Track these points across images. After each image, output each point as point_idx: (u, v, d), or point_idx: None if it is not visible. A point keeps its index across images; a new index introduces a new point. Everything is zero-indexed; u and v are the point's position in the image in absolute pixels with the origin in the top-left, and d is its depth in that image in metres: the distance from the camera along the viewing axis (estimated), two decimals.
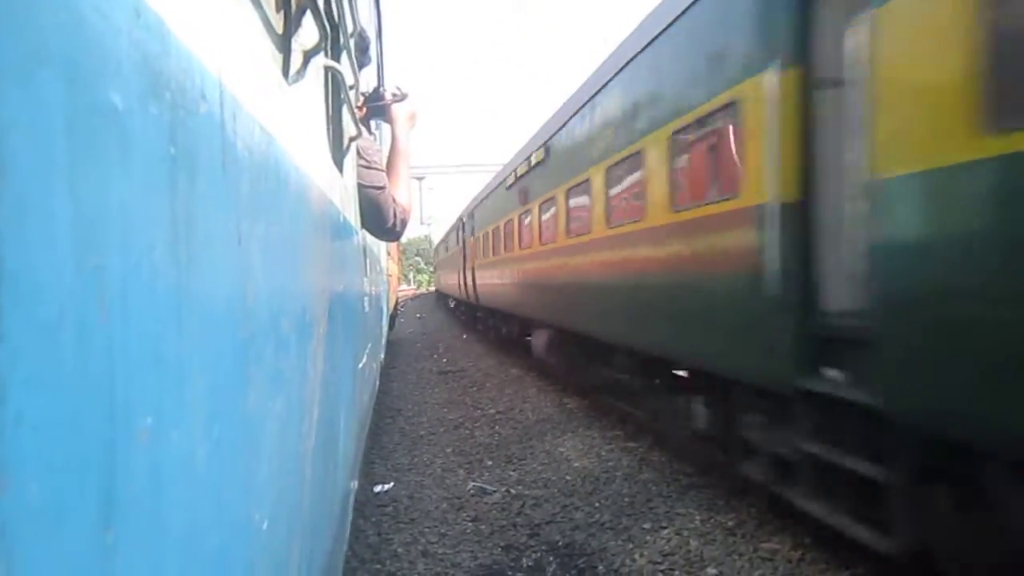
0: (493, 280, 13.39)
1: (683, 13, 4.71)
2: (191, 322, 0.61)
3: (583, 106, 7.13)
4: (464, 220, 18.29)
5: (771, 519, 4.33)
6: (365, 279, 3.61)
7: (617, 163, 6.01)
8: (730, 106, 4.08)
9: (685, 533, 4.29)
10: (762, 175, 3.76)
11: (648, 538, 4.28)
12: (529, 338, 10.65)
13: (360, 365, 3.19)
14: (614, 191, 6.18)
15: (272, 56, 1.15)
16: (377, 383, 6.70)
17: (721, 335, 4.27)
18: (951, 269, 2.56)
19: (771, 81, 3.66)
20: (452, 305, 26.67)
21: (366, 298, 3.80)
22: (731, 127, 4.13)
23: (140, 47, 0.51)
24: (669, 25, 4.94)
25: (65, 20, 0.41)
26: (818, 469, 3.47)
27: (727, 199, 4.14)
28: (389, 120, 2.65)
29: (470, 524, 4.69)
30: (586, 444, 6.47)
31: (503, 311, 12.82)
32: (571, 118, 7.61)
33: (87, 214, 0.44)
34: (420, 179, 40.56)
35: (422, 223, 48.51)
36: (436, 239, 41.90)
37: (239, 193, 0.78)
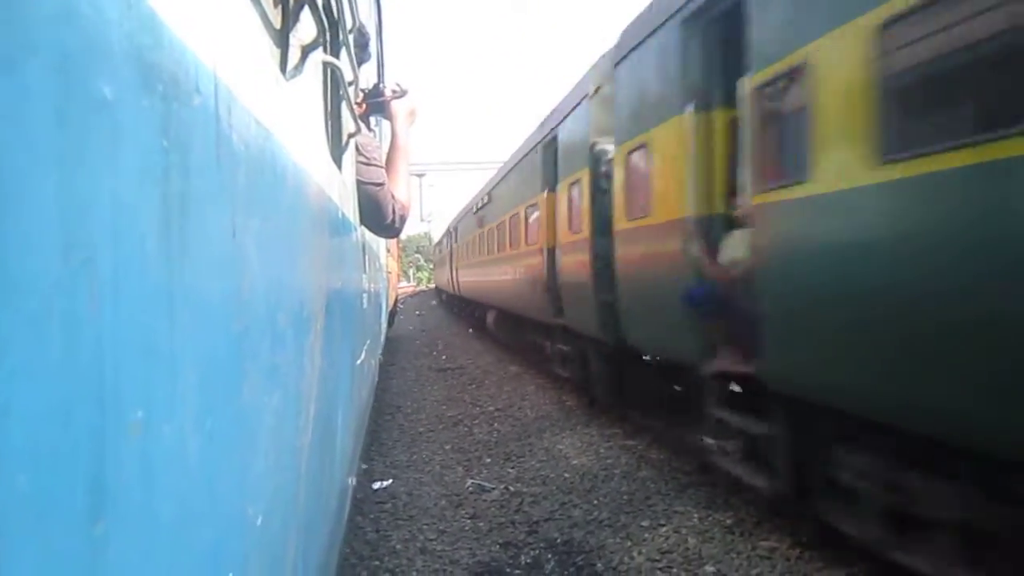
0: (468, 277, 19.39)
1: (525, 156, 10.49)
2: (183, 315, 0.61)
3: (504, 176, 12.84)
4: (451, 230, 25.16)
5: (769, 517, 4.33)
6: (364, 275, 3.61)
7: (513, 214, 11.43)
8: (536, 203, 9.39)
9: (683, 531, 4.30)
10: (543, 234, 8.91)
11: (646, 536, 4.28)
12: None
13: (358, 361, 3.19)
14: (513, 227, 11.45)
15: (269, 51, 1.15)
16: (376, 380, 6.70)
17: (533, 301, 9.55)
18: (568, 278, 7.82)
19: (544, 196, 8.88)
20: (444, 298, 32.10)
21: (364, 294, 3.80)
22: (537, 212, 9.42)
23: (132, 39, 0.50)
24: (522, 157, 10.80)
25: (55, 10, 0.41)
26: (562, 357, 8.73)
27: (536, 244, 9.41)
28: (389, 116, 2.65)
29: (468, 521, 4.69)
30: (585, 442, 6.48)
31: (475, 300, 18.47)
32: (501, 179, 13.25)
33: (77, 206, 0.43)
34: (420, 176, 40.51)
35: (422, 220, 48.48)
36: (436, 236, 41.95)
37: (234, 187, 0.78)
